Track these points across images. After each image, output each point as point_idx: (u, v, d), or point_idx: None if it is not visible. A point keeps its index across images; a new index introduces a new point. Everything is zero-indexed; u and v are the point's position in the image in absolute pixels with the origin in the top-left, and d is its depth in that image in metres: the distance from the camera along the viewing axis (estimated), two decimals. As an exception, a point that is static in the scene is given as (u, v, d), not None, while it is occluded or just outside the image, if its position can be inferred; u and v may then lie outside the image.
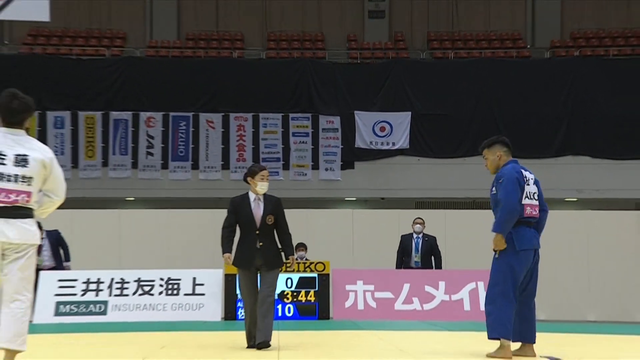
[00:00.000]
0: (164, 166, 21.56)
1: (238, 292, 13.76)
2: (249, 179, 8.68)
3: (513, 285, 7.32)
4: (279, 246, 8.72)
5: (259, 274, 8.63)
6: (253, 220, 8.52)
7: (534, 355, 7.39)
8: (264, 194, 8.65)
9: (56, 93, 21.85)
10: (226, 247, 8.61)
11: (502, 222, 7.31)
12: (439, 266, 14.64)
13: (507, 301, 7.29)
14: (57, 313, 13.77)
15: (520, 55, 24.44)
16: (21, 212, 5.88)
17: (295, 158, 21.73)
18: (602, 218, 17.36)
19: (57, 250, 14.49)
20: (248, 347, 8.46)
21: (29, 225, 5.91)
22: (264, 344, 8.24)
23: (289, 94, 22.22)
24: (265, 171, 8.64)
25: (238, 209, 8.62)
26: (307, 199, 20.13)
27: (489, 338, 7.35)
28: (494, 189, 7.58)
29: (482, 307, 13.74)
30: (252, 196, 8.64)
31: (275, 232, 8.68)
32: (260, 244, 8.47)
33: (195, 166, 21.62)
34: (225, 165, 21.61)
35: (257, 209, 8.58)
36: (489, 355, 7.39)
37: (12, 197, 5.83)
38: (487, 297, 7.42)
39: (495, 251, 7.40)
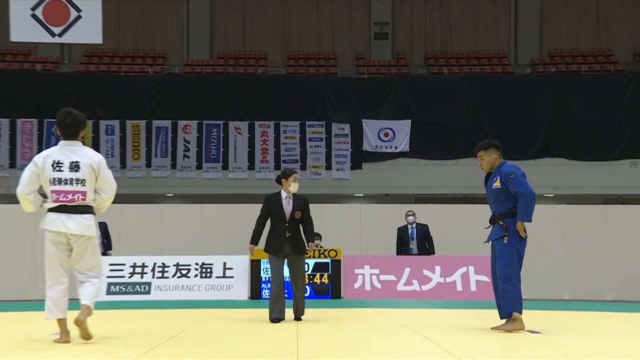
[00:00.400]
0: (199, 167, 21.62)
1: (262, 275, 13.86)
2: (282, 180, 8.93)
3: (520, 267, 7.40)
4: (304, 236, 9.00)
5: (285, 260, 8.92)
6: (283, 214, 8.81)
7: (518, 329, 7.37)
8: (294, 193, 8.91)
9: (107, 105, 21.95)
10: (254, 239, 8.95)
11: (531, 211, 7.32)
12: (431, 249, 14.62)
13: (518, 280, 7.37)
14: (108, 292, 13.86)
15: (504, 71, 24.37)
16: (80, 208, 6.31)
17: (311, 160, 21.73)
18: (575, 211, 17.31)
19: (103, 240, 14.53)
20: (271, 321, 8.60)
21: (86, 220, 6.33)
22: (299, 318, 8.85)
23: (306, 105, 22.23)
24: (296, 174, 8.95)
25: (272, 204, 8.90)
26: (321, 195, 20.11)
27: (507, 312, 7.32)
28: (495, 183, 7.55)
29: (473, 288, 13.91)
30: (283, 194, 8.91)
31: (301, 224, 8.94)
32: (289, 234, 8.77)
33: (225, 167, 21.66)
34: (251, 166, 21.65)
35: (288, 206, 8.86)
36: (501, 329, 7.32)
37: (70, 196, 6.30)
38: (503, 277, 7.35)
39: (502, 237, 7.37)
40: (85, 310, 6.26)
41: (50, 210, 6.31)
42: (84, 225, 6.30)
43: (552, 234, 16.51)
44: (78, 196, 6.29)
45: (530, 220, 7.33)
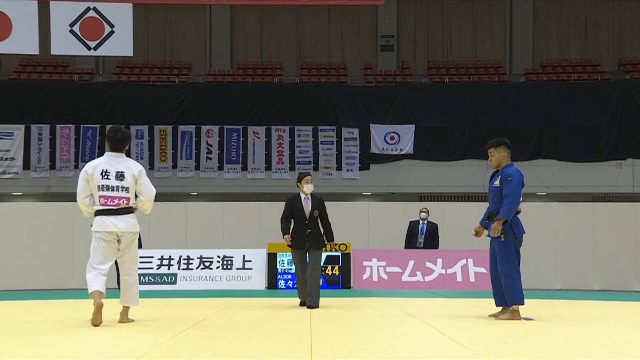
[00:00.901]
0: (220, 168, 21.65)
1: (278, 267, 13.90)
2: (298, 183, 9.30)
3: (518, 262, 7.35)
4: (322, 232, 9.37)
5: (307, 253, 9.29)
6: (303, 213, 9.14)
7: (513, 317, 7.34)
8: (311, 194, 9.24)
9: (137, 112, 22.03)
10: (285, 230, 9.27)
11: (510, 212, 7.27)
12: (436, 247, 14.61)
13: (518, 274, 7.31)
14: (138, 282, 13.88)
15: (500, 80, 24.31)
16: (125, 210, 6.81)
17: (323, 161, 21.74)
18: (565, 208, 17.27)
19: None
20: (301, 305, 9.15)
21: (131, 218, 6.86)
22: (314, 307, 8.83)
23: (318, 111, 22.24)
24: (308, 177, 9.25)
25: (292, 204, 9.24)
26: (332, 193, 20.12)
27: (511, 305, 7.29)
28: (495, 182, 7.51)
29: (472, 279, 13.90)
30: (302, 195, 9.26)
31: (319, 222, 9.27)
32: (309, 230, 9.11)
33: (244, 168, 21.68)
34: (268, 167, 21.67)
35: (306, 205, 9.21)
36: (498, 318, 7.31)
37: (116, 201, 6.78)
38: (505, 272, 7.29)
39: (500, 235, 7.33)
40: (126, 311, 7.00)
41: (99, 213, 6.76)
42: (131, 224, 6.82)
43: (544, 229, 16.48)
44: (123, 201, 6.79)
45: (507, 218, 7.27)
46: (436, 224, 14.64)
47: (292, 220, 9.29)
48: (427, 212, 14.56)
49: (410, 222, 14.78)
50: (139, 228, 6.92)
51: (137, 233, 6.92)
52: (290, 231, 9.30)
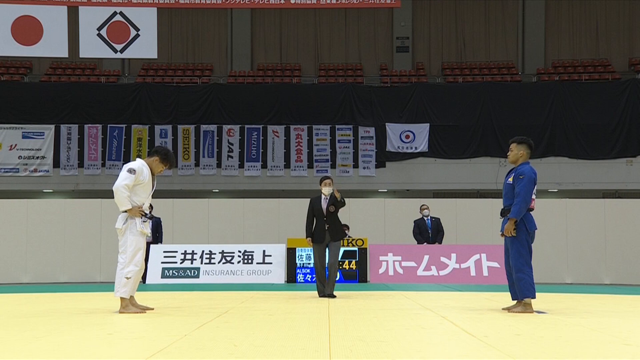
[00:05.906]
0: (241, 166, 21.73)
1: (297, 261, 13.93)
2: (320, 185, 10.08)
3: (530, 256, 7.31)
4: (340, 226, 10.03)
5: (327, 248, 9.90)
6: (322, 211, 9.93)
7: (526, 310, 7.31)
8: (331, 194, 9.96)
9: (161, 112, 22.15)
10: (308, 232, 10.02)
11: (520, 212, 7.23)
12: (441, 240, 14.70)
13: (530, 268, 7.28)
14: (163, 276, 14.00)
15: (513, 80, 24.18)
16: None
17: (340, 159, 21.75)
18: (576, 204, 17.15)
19: (155, 232, 14.51)
20: (320, 297, 9.58)
21: (119, 217, 7.23)
22: (331, 296, 9.55)
23: (335, 110, 22.25)
24: (326, 180, 10.01)
25: (314, 204, 10.04)
26: (349, 190, 20.14)
27: (521, 298, 7.27)
28: (509, 179, 7.46)
29: (485, 273, 13.84)
30: (322, 196, 10.02)
31: (337, 218, 10.01)
32: (327, 226, 9.87)
33: (264, 165, 21.75)
34: (287, 165, 21.72)
35: (325, 204, 9.95)
36: (511, 311, 7.28)
37: None
38: (515, 267, 7.27)
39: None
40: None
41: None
42: (117, 222, 7.23)
43: (556, 225, 16.39)
44: None
45: (517, 218, 7.24)
46: (439, 218, 14.72)
47: (315, 218, 9.93)
48: (428, 207, 14.70)
49: (416, 221, 14.82)
50: (120, 225, 7.18)
51: (121, 228, 7.16)
52: (314, 228, 9.94)
